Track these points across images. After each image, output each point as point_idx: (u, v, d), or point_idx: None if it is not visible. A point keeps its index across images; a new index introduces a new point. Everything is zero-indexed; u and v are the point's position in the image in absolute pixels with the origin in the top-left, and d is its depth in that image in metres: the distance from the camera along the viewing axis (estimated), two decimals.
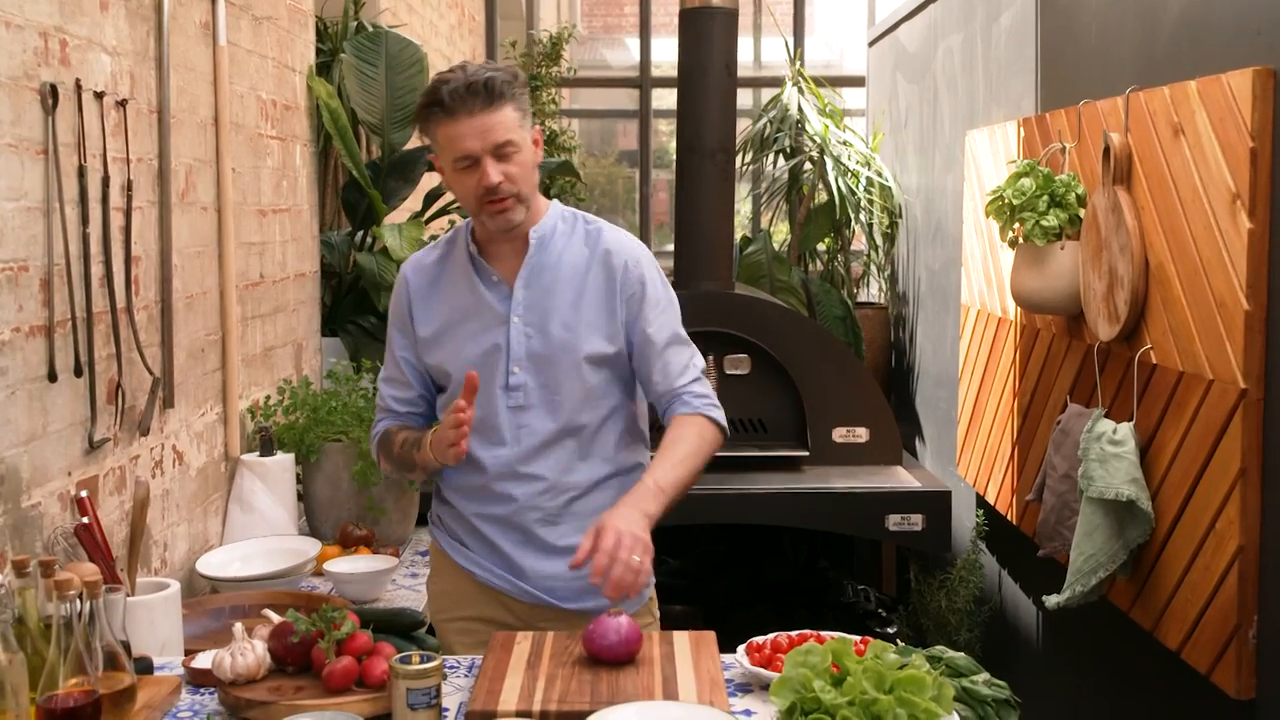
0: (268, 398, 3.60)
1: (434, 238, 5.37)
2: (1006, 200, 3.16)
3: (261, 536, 3.22)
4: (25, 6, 2.27)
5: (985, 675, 2.05)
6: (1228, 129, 2.40)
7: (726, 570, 5.27)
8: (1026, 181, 3.13)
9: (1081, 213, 3.07)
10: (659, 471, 2.28)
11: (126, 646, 1.99)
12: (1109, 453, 2.75)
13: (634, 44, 7.95)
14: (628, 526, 2.14)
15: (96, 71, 2.56)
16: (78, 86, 2.46)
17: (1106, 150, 2.89)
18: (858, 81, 6.79)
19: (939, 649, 2.12)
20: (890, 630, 4.53)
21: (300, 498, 3.54)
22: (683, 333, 2.46)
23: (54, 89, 2.35)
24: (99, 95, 2.55)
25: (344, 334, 4.41)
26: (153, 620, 2.35)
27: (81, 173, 2.46)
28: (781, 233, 6.19)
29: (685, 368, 2.42)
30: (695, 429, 2.37)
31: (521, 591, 2.42)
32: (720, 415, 2.42)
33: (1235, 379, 2.39)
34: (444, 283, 2.45)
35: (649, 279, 2.44)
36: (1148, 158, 2.76)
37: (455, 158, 2.30)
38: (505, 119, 2.28)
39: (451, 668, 2.21)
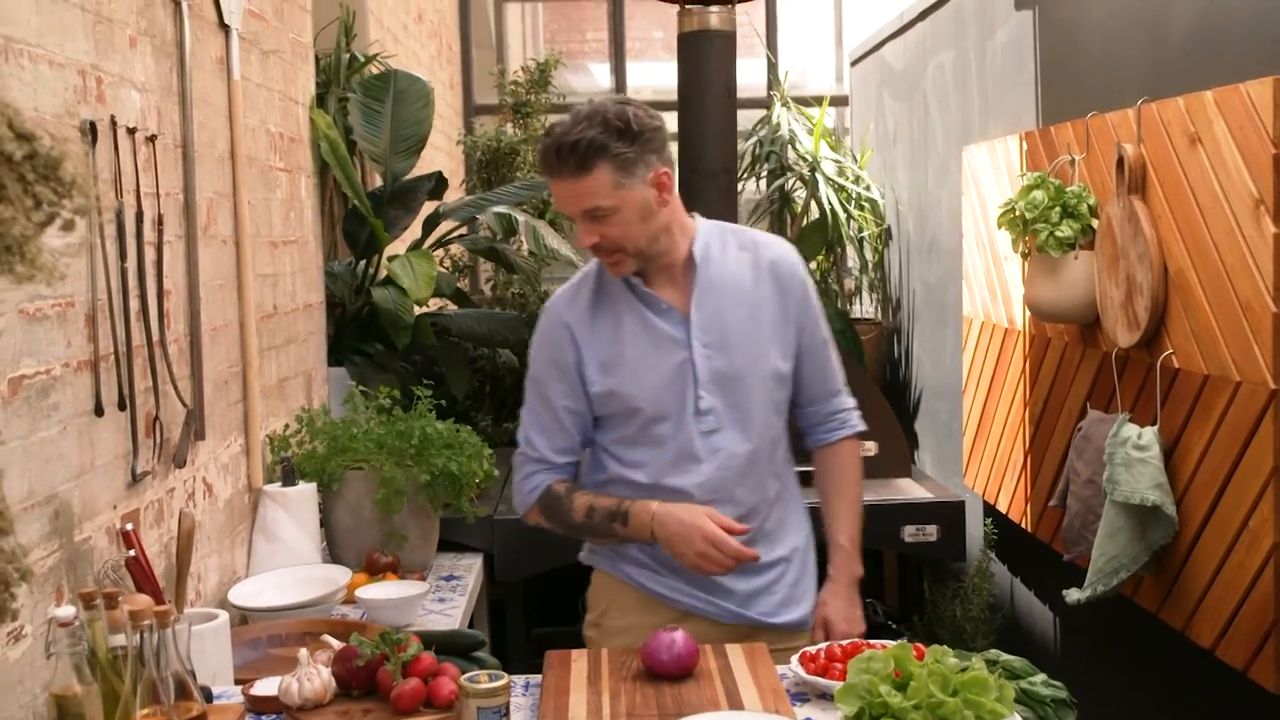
0: (285, 427, 3.60)
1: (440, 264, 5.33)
2: (1019, 213, 3.22)
3: (287, 566, 3.23)
4: (65, 45, 2.29)
5: (1042, 676, 2.09)
6: (1248, 137, 2.46)
7: None
8: (1038, 194, 3.18)
9: (1094, 223, 3.12)
10: (848, 528, 2.58)
11: (193, 675, 2.00)
12: (1134, 457, 2.80)
13: (598, 70, 8.02)
14: (851, 629, 2.56)
15: (128, 108, 2.58)
16: (113, 123, 2.47)
17: (1120, 161, 2.95)
18: (832, 101, 6.88)
19: (994, 653, 2.15)
20: (904, 641, 4.55)
21: (322, 525, 3.55)
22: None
23: (93, 126, 2.36)
24: (131, 131, 2.56)
25: (349, 363, 4.41)
26: (204, 650, 2.35)
27: (119, 208, 2.48)
28: None
29: (837, 371, 2.55)
30: (857, 459, 2.59)
31: (724, 611, 2.45)
32: (861, 422, 2.60)
33: (1265, 380, 2.45)
34: (604, 317, 2.38)
35: (808, 281, 2.50)
36: (1163, 167, 2.82)
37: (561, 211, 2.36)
38: (595, 185, 2.24)
39: None
